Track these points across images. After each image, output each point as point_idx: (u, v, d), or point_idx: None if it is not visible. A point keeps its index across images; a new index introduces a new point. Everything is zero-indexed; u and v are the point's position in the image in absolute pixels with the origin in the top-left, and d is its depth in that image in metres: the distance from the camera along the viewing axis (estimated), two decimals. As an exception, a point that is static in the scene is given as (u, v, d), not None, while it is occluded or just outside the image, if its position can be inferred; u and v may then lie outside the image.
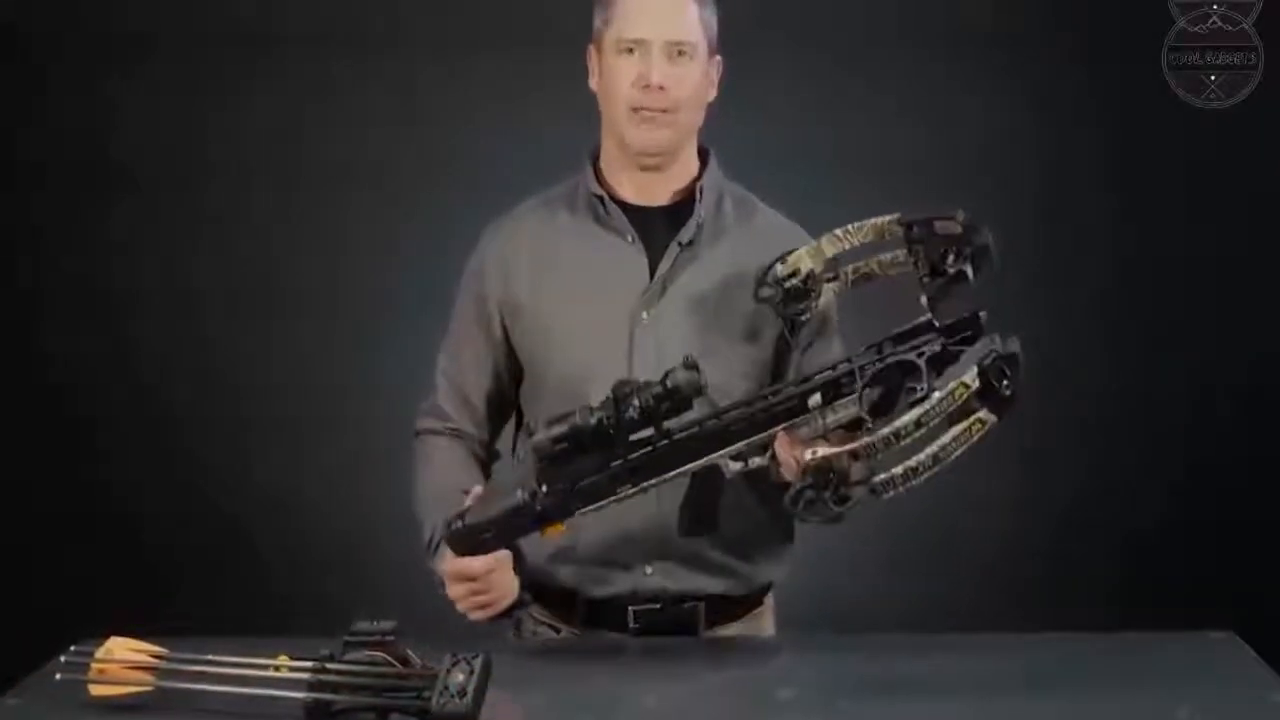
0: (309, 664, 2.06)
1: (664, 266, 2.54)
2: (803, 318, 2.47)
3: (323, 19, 4.24)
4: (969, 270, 2.25)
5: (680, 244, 2.55)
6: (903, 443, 2.10)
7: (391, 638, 2.06)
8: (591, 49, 2.58)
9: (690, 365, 2.22)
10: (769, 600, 2.67)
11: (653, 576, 2.55)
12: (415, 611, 2.18)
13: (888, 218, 2.36)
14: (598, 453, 2.26)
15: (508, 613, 2.48)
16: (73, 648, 2.16)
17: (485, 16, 4.20)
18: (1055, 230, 4.18)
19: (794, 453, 2.22)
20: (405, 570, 2.57)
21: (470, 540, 2.35)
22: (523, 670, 2.33)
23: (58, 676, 2.13)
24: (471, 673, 2.00)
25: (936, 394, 2.11)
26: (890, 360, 2.21)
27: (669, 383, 2.22)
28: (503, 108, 4.15)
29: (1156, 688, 2.23)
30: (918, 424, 2.10)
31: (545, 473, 2.29)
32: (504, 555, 2.38)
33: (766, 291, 2.44)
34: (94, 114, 4.27)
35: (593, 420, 2.23)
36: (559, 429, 2.25)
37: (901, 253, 2.36)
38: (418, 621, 2.14)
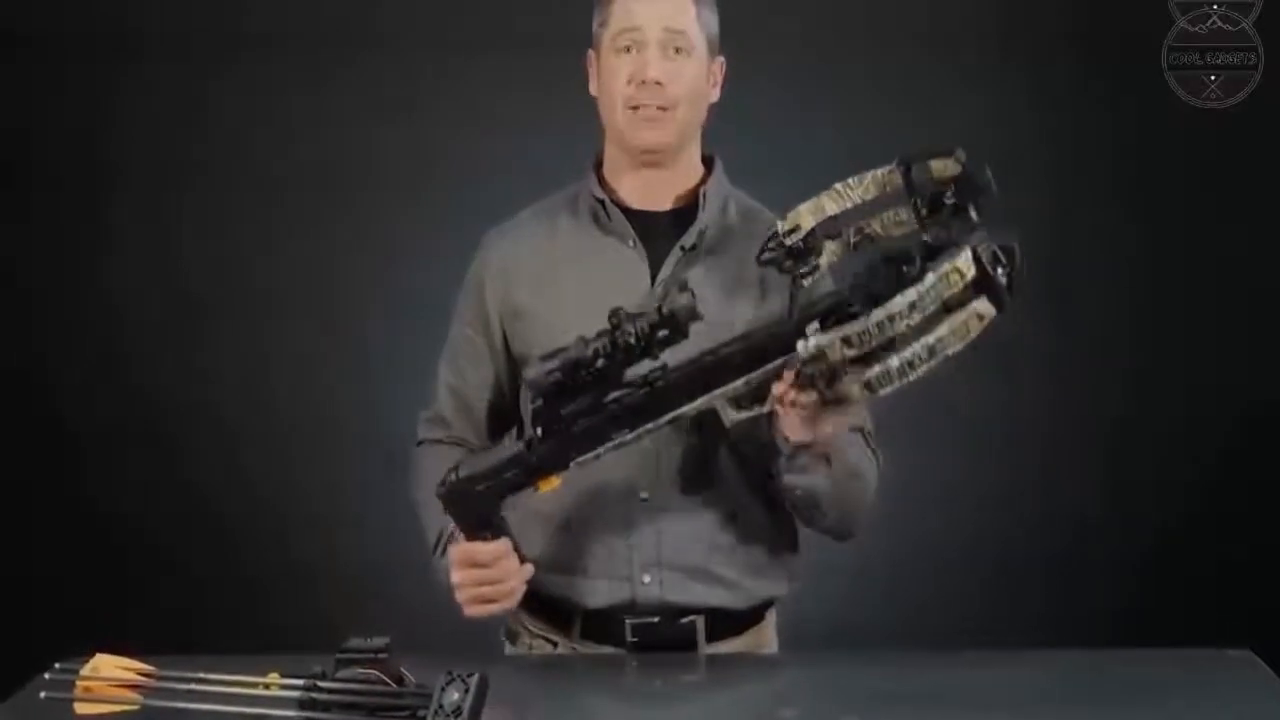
0: (300, 682, 2.03)
1: (665, 271, 2.51)
2: (805, 280, 2.39)
3: (322, 19, 4.22)
4: (970, 208, 2.20)
5: (683, 248, 2.52)
6: (897, 328, 2.09)
7: (385, 655, 2.03)
8: (590, 54, 2.56)
9: (684, 288, 2.21)
10: (771, 615, 2.63)
11: (650, 586, 2.50)
12: (409, 628, 2.14)
13: (886, 168, 2.31)
14: (594, 389, 2.24)
15: None
16: (57, 665, 2.12)
17: (487, 19, 4.19)
18: (1054, 231, 4.14)
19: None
20: (400, 585, 2.54)
21: (463, 493, 2.32)
22: (520, 688, 2.30)
23: (42, 695, 2.09)
24: (467, 691, 1.97)
25: (930, 276, 2.08)
26: (883, 257, 2.17)
27: (664, 309, 2.20)
28: (503, 111, 4.14)
29: (1172, 705, 2.20)
30: (912, 307, 2.08)
31: (540, 412, 2.27)
32: (510, 550, 2.37)
33: (769, 254, 2.38)
34: (87, 114, 4.24)
35: (588, 350, 2.21)
36: (553, 361, 2.23)
37: (904, 210, 2.31)
38: (412, 638, 2.11)
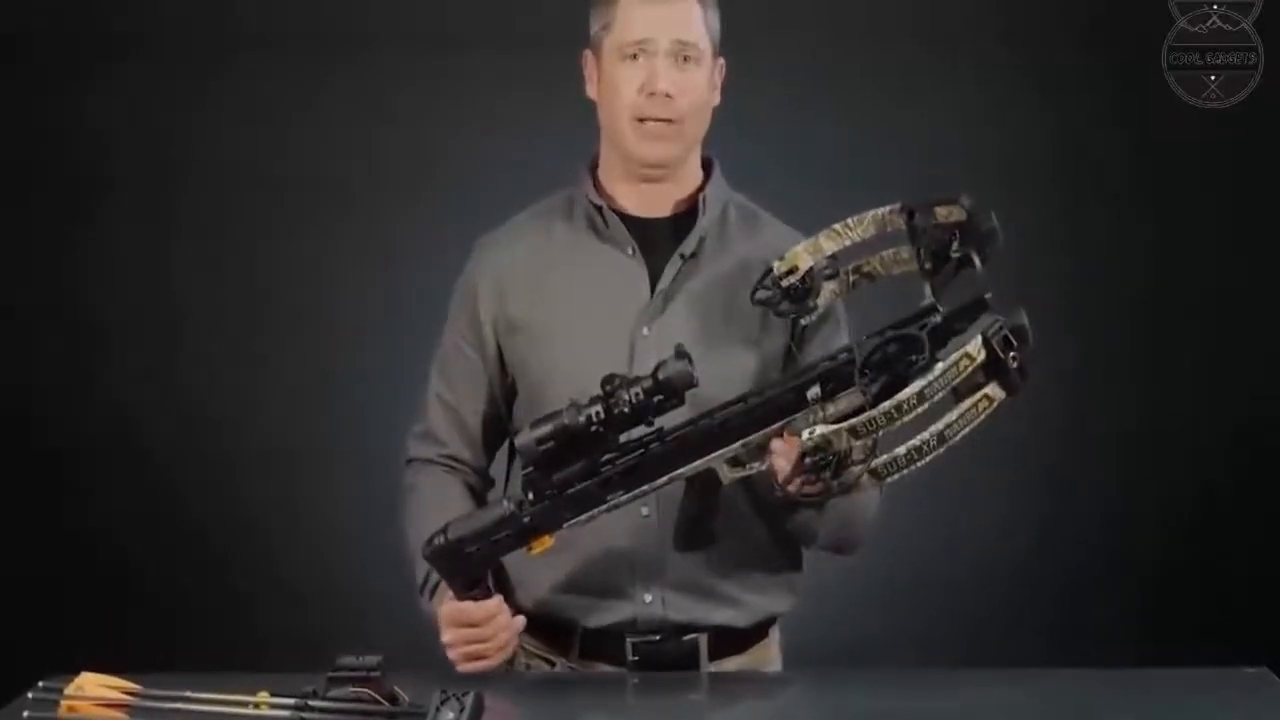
0: (291, 701, 2.00)
1: (665, 280, 2.47)
2: (802, 320, 2.41)
3: (321, 19, 4.19)
4: (975, 257, 2.18)
5: (682, 256, 2.48)
6: (905, 418, 2.07)
7: (378, 673, 2.00)
8: (588, 55, 2.51)
9: (681, 355, 2.17)
10: (774, 633, 2.59)
11: (652, 605, 2.46)
12: (403, 646, 2.13)
13: (888, 208, 2.31)
14: (587, 454, 2.21)
15: None
16: (41, 683, 2.08)
17: (483, 22, 4.16)
18: (1051, 231, 4.13)
19: (792, 455, 2.17)
20: (393, 603, 2.50)
21: (453, 557, 2.27)
22: (517, 707, 2.27)
23: (25, 714, 2.04)
24: (462, 710, 1.95)
25: (940, 365, 2.06)
26: (890, 338, 2.15)
27: (660, 375, 2.16)
28: (503, 111, 4.11)
29: (1187, 724, 2.19)
30: (920, 397, 2.06)
31: (532, 479, 2.22)
32: (503, 606, 2.34)
33: (763, 293, 2.37)
34: (70, 119, 4.20)
35: (581, 418, 2.17)
36: (545, 428, 2.19)
37: (905, 249, 2.31)
38: (405, 656, 2.09)
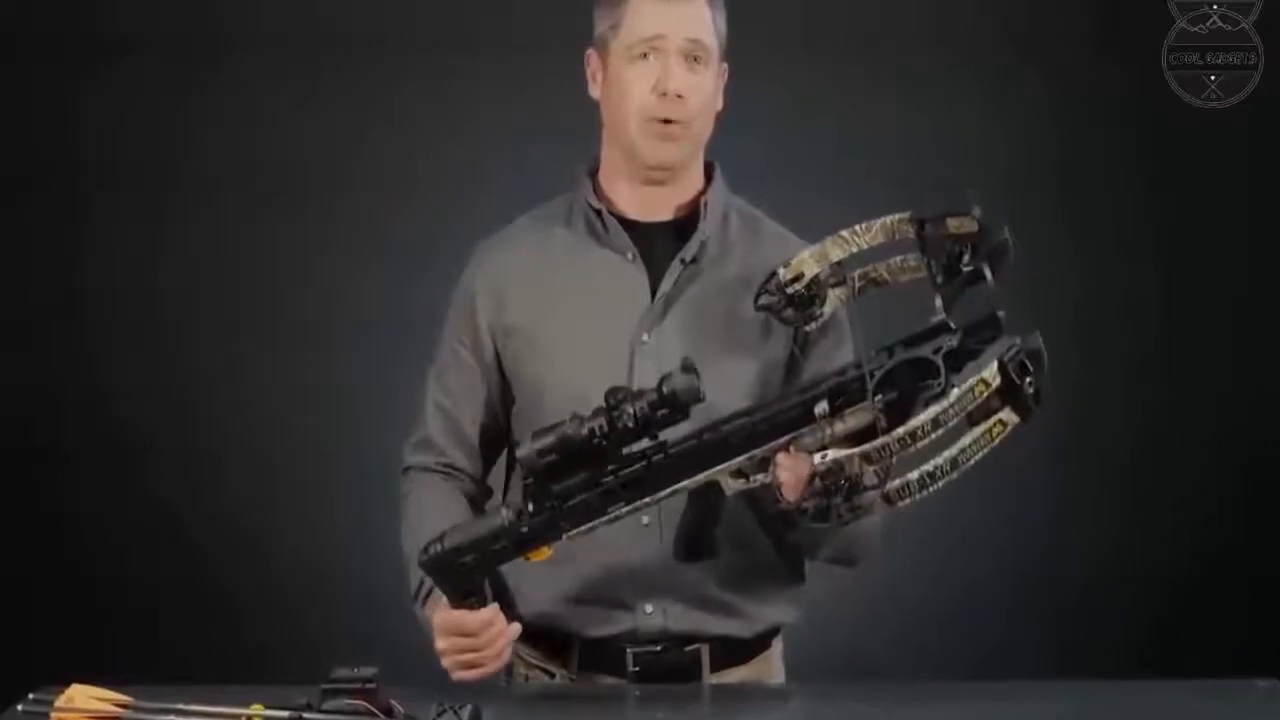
0: (285, 713, 1.99)
1: (666, 285, 2.45)
2: (807, 327, 2.38)
3: (319, 21, 4.17)
4: (986, 270, 2.16)
5: (683, 261, 2.45)
6: (919, 444, 2.04)
7: (373, 685, 1.99)
8: (592, 54, 2.48)
9: (688, 369, 2.13)
10: (776, 644, 2.56)
11: (653, 615, 2.44)
12: (399, 657, 2.10)
13: (897, 216, 2.27)
14: (589, 466, 2.18)
15: None
16: (31, 695, 2.07)
17: (485, 23, 4.15)
18: (1053, 232, 4.10)
19: (799, 469, 2.15)
20: (388, 613, 2.48)
21: (448, 566, 2.24)
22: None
23: (14, 726, 2.04)
24: None
25: (955, 391, 2.04)
26: (902, 359, 2.14)
27: (665, 389, 2.13)
28: (500, 114, 4.09)
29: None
30: (935, 423, 2.04)
31: (533, 490, 2.20)
32: (498, 615, 2.29)
33: (767, 299, 2.35)
34: (70, 119, 4.18)
35: (584, 430, 2.14)
36: (547, 440, 2.16)
37: (913, 256, 2.28)
38: (401, 668, 2.07)
